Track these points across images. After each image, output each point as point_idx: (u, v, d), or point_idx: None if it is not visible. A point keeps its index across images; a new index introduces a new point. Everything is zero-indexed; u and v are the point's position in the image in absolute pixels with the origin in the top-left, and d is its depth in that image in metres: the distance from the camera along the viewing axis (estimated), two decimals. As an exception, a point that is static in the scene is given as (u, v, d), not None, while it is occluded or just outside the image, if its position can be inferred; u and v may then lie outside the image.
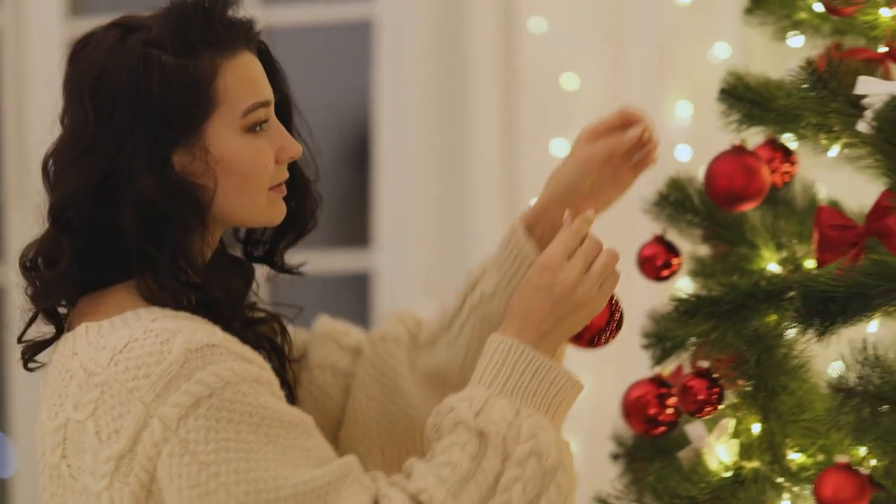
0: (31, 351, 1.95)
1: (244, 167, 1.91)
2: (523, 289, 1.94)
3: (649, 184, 2.44)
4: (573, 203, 2.11)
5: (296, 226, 2.07)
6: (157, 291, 1.87)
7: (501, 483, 1.84)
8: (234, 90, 1.90)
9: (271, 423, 1.80)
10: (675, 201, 2.33)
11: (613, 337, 1.99)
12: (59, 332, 1.93)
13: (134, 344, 1.81)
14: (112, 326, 1.85)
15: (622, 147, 2.14)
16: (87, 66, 1.89)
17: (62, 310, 1.94)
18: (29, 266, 1.93)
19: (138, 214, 1.86)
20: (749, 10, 2.34)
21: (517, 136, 3.56)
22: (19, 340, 1.96)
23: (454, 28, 3.61)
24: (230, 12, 1.93)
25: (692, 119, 3.40)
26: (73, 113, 1.90)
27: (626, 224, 3.30)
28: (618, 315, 1.98)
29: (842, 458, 1.91)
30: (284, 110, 2.02)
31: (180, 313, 1.86)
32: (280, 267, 2.11)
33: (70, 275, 1.89)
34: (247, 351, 1.85)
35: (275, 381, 1.86)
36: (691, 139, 3.40)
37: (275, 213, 1.98)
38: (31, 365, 1.96)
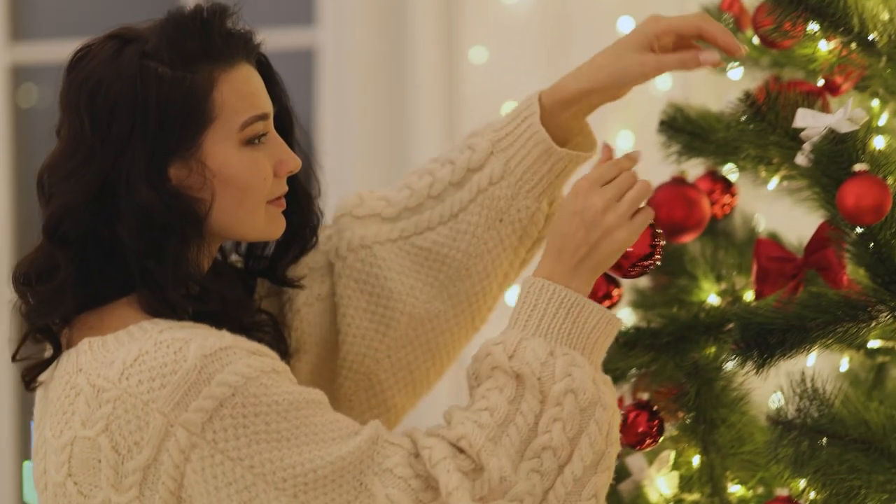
0: (32, 372, 1.92)
1: (242, 180, 1.89)
2: (560, 215, 1.91)
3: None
4: (606, 96, 2.05)
5: (297, 242, 2.06)
6: (157, 304, 1.86)
7: (541, 423, 1.83)
8: (232, 103, 1.88)
9: (298, 406, 1.80)
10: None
11: (652, 266, 1.93)
12: (57, 351, 1.90)
13: (145, 357, 1.79)
14: (118, 341, 1.83)
15: (691, 68, 2.02)
16: (84, 77, 1.87)
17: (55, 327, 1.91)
18: (23, 282, 1.90)
19: (137, 226, 1.84)
20: (689, 43, 2.34)
21: (460, 165, 3.56)
22: (14, 359, 1.93)
23: (397, 57, 3.61)
24: (229, 24, 1.90)
25: (633, 148, 3.41)
26: (70, 124, 1.88)
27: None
28: (659, 246, 1.93)
29: (781, 491, 1.91)
30: (285, 123, 2.00)
31: (185, 323, 1.85)
32: (281, 280, 2.09)
33: (67, 290, 1.87)
34: (256, 345, 1.84)
35: (287, 367, 1.85)
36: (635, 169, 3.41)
37: (274, 227, 1.96)
38: (32, 385, 1.94)
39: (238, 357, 1.80)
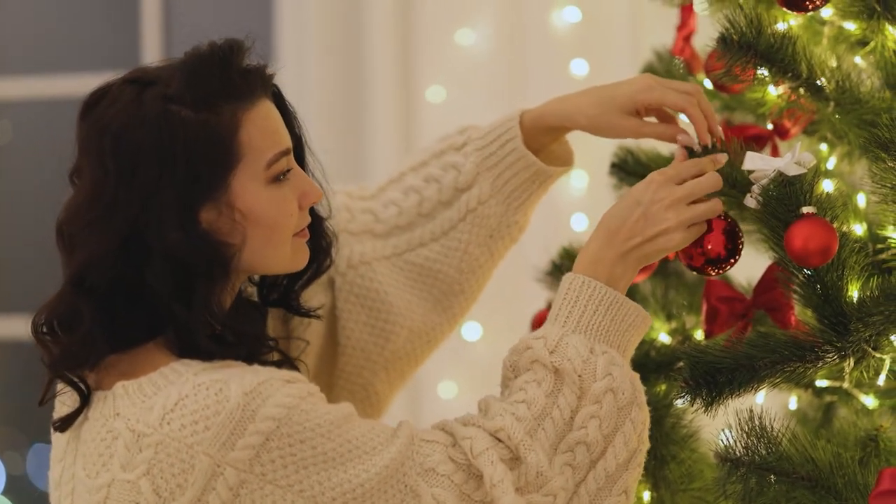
0: (63, 424, 1.91)
1: (271, 219, 1.89)
2: (624, 199, 1.93)
3: (543, 253, 2.47)
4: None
5: (311, 265, 2.05)
6: (186, 346, 1.86)
7: (577, 419, 1.86)
8: (257, 142, 1.87)
9: (338, 423, 1.82)
10: (568, 271, 2.35)
11: (728, 268, 1.95)
12: (85, 400, 1.89)
13: (186, 401, 1.80)
14: (153, 384, 1.84)
15: (666, 140, 2.08)
16: (106, 122, 1.85)
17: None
18: (45, 331, 1.89)
19: (166, 270, 1.83)
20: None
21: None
22: (41, 404, 1.93)
23: (355, 96, 3.63)
24: (245, 59, 1.90)
25: (587, 189, 3.44)
26: (92, 171, 1.86)
27: (520, 291, 3.33)
28: (739, 248, 1.94)
29: (730, 527, 1.93)
30: (298, 151, 2.00)
31: (216, 363, 1.85)
32: (297, 310, 2.10)
33: (96, 339, 1.86)
34: (288, 373, 1.86)
35: (317, 387, 1.87)
36: (587, 208, 3.44)
37: (299, 258, 1.97)
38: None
39: (276, 388, 1.81)
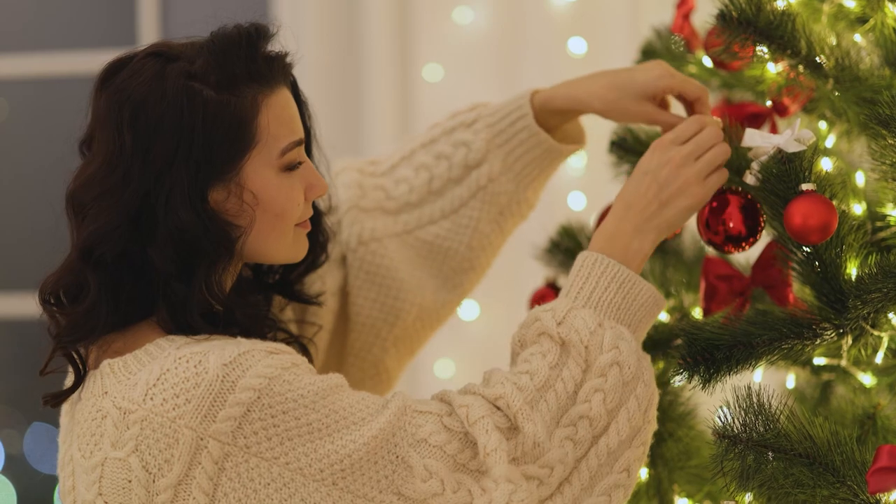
0: (53, 399, 1.92)
1: (279, 206, 1.90)
2: (634, 173, 1.93)
3: (541, 231, 2.47)
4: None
5: (307, 258, 2.05)
6: (176, 323, 1.86)
7: (582, 392, 1.85)
8: (274, 128, 1.88)
9: (323, 394, 1.81)
10: (567, 249, 2.36)
11: (749, 245, 1.95)
12: (80, 377, 1.89)
13: (167, 375, 1.80)
14: (138, 361, 1.84)
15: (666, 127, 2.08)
16: (126, 94, 1.85)
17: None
18: (52, 302, 1.90)
19: (171, 248, 1.84)
20: (640, 63, 2.37)
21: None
22: (42, 374, 1.93)
23: (351, 75, 3.62)
24: (270, 46, 1.91)
25: (585, 167, 3.44)
26: (107, 142, 1.86)
27: (518, 269, 3.33)
28: (760, 225, 1.94)
29: (727, 504, 1.93)
30: (307, 143, 2.01)
31: (200, 337, 1.85)
32: (295, 297, 2.10)
33: (101, 313, 1.86)
34: (272, 344, 1.85)
35: (304, 359, 1.86)
36: (585, 187, 3.44)
37: (299, 250, 1.97)
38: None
39: (257, 359, 1.80)
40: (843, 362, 2.11)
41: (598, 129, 2.32)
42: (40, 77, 4.22)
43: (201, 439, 1.78)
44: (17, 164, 4.31)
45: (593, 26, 3.47)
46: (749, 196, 1.94)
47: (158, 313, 1.87)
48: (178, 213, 1.83)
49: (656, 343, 2.12)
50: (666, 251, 2.36)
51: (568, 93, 2.12)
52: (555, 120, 2.14)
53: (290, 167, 1.90)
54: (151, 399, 1.80)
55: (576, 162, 3.44)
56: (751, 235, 1.95)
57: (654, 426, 1.91)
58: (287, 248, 1.94)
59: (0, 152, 4.34)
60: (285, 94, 1.91)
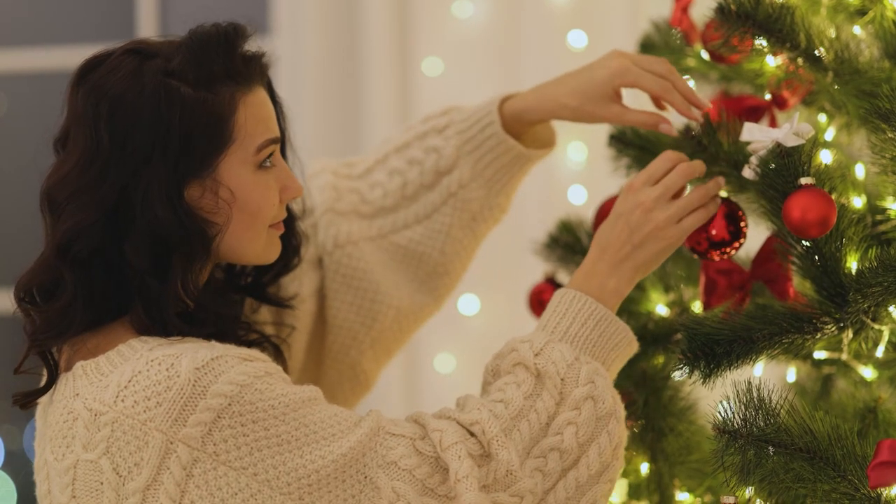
0: (24, 399, 1.92)
1: (254, 204, 1.90)
2: (610, 215, 1.94)
3: (541, 226, 2.47)
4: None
5: (280, 261, 2.05)
6: (150, 323, 1.85)
7: (554, 424, 1.85)
8: (250, 126, 1.88)
9: (294, 406, 1.80)
10: (566, 244, 2.36)
11: (733, 251, 1.96)
12: (52, 378, 1.89)
13: (139, 377, 1.79)
14: (110, 363, 1.83)
15: (650, 129, 2.09)
16: (103, 90, 1.85)
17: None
18: (27, 299, 1.89)
19: (147, 245, 1.83)
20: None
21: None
22: (16, 372, 1.92)
23: (351, 68, 3.62)
24: (247, 45, 1.91)
25: (586, 161, 3.44)
26: (84, 138, 1.85)
27: (518, 264, 3.33)
28: (743, 231, 1.95)
29: (728, 499, 1.92)
30: (281, 146, 2.01)
31: (174, 339, 1.84)
32: (266, 299, 2.09)
33: (77, 312, 1.85)
34: (247, 351, 1.84)
35: (279, 368, 1.85)
36: (585, 181, 3.43)
37: (271, 251, 1.97)
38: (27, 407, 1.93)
39: (230, 365, 1.79)
40: (844, 356, 2.11)
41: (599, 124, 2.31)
42: (39, 71, 4.22)
43: (171, 443, 1.77)
44: (15, 159, 4.31)
45: (592, 20, 3.47)
46: (730, 203, 1.94)
47: (133, 312, 1.86)
48: (155, 210, 1.83)
49: (656, 338, 2.12)
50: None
51: (536, 105, 2.13)
52: (523, 126, 2.15)
53: (265, 164, 1.90)
54: (122, 401, 1.79)
55: (576, 156, 3.44)
56: (734, 240, 1.95)
57: (622, 464, 1.91)
58: (260, 248, 1.94)
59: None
60: (262, 94, 1.92)
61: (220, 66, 1.87)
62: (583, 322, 1.90)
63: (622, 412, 1.90)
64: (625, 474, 2.15)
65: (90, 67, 1.89)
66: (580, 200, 3.43)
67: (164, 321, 1.85)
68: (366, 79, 3.59)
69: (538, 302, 2.35)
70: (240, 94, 1.88)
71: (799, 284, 2.00)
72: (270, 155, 1.91)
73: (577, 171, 3.45)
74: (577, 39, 3.47)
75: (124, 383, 1.79)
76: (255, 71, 1.91)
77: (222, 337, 1.90)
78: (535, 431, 1.85)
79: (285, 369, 2.07)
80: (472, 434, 1.82)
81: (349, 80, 3.63)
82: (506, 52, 3.52)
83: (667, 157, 1.96)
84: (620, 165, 2.22)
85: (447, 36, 3.57)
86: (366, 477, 1.80)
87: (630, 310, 2.23)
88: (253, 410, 1.78)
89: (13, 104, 4.37)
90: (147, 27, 4.06)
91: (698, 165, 1.96)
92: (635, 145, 2.18)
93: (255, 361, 1.82)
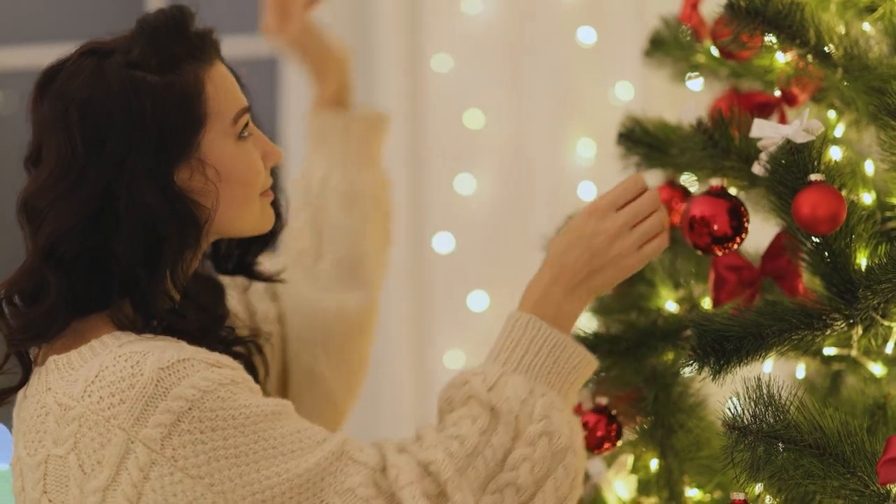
0: (3, 395, 1.91)
1: (242, 174, 1.91)
2: (565, 234, 1.94)
3: (550, 222, 2.47)
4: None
5: (261, 235, 2.05)
6: (131, 317, 1.85)
7: (510, 460, 1.84)
8: (220, 99, 1.90)
9: (256, 419, 1.78)
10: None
11: (734, 246, 1.96)
12: (27, 376, 1.88)
13: (105, 372, 1.78)
14: (81, 357, 1.82)
15: None
16: (70, 96, 1.84)
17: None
18: (7, 303, 1.88)
19: (139, 237, 1.83)
20: (648, 53, 2.37)
21: (422, 172, 3.58)
22: None
23: (360, 65, 3.62)
24: (195, 24, 1.92)
25: (595, 157, 3.44)
26: (58, 146, 1.84)
27: (527, 260, 3.33)
28: (744, 227, 1.94)
29: (738, 496, 1.93)
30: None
31: (146, 336, 1.84)
32: (256, 276, 2.10)
33: (59, 313, 1.85)
34: (216, 357, 1.83)
35: (248, 377, 1.83)
36: (594, 177, 3.43)
37: (267, 218, 1.98)
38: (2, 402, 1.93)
39: (196, 370, 1.78)
40: (854, 352, 2.11)
41: (607, 119, 2.32)
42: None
43: (132, 442, 1.76)
44: (21, 157, 4.31)
45: (602, 16, 3.47)
46: (732, 198, 1.94)
47: (113, 307, 1.86)
48: (145, 200, 1.82)
49: (666, 334, 2.12)
50: (675, 241, 2.36)
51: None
52: (335, 102, 2.36)
53: (243, 133, 1.92)
54: (89, 396, 1.78)
55: (585, 152, 3.44)
56: (737, 235, 1.95)
57: (580, 492, 1.90)
58: (257, 217, 1.95)
59: (4, 144, 4.35)
60: (222, 66, 1.94)
61: (179, 47, 1.88)
62: (537, 350, 1.90)
63: (579, 443, 1.89)
64: (634, 470, 2.16)
65: (49, 77, 1.89)
66: (589, 197, 3.43)
67: (152, 315, 1.85)
68: (376, 75, 3.59)
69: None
70: (202, 71, 1.89)
71: (808, 281, 2.00)
72: (247, 125, 1.93)
73: (587, 167, 3.45)
74: (587, 35, 3.47)
75: (91, 378, 1.79)
76: (210, 45, 1.92)
77: (205, 335, 1.90)
78: (491, 468, 1.83)
79: (258, 378, 2.08)
80: (429, 473, 1.81)
81: (359, 76, 3.62)
82: (515, 49, 3.52)
83: (632, 182, 1.95)
84: (630, 163, 2.22)
85: (457, 32, 3.57)
86: (322, 501, 1.78)
87: (640, 306, 2.23)
88: (213, 418, 1.76)
89: (20, 101, 4.37)
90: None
91: (658, 197, 1.96)
92: (644, 143, 2.18)
93: (222, 368, 1.81)
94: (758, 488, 1.92)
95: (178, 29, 1.89)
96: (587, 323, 2.36)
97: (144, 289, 1.84)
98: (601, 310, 2.34)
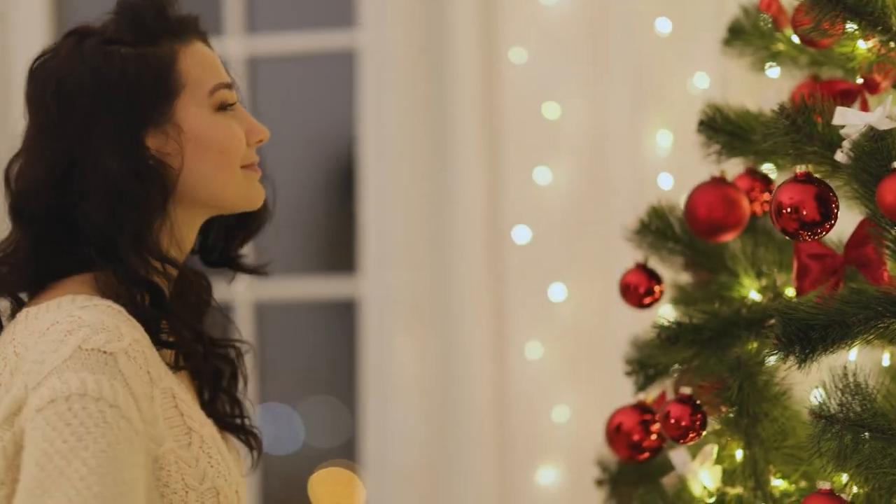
0: None
1: (219, 142, 1.93)
2: None
3: (630, 212, 2.47)
4: None
5: (245, 224, 2.06)
6: (115, 286, 1.86)
7: None
8: (197, 72, 1.94)
9: (76, 454, 1.71)
10: (657, 229, 2.35)
11: (824, 232, 1.92)
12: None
13: (51, 328, 1.80)
14: (46, 310, 1.85)
15: None
16: (49, 72, 1.92)
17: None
18: None
19: (103, 200, 1.86)
20: (727, 42, 2.36)
21: (500, 164, 3.58)
22: None
23: (437, 57, 3.63)
24: (176, 9, 1.96)
25: (673, 148, 3.43)
26: (34, 115, 1.93)
27: (609, 252, 3.33)
28: (835, 209, 1.90)
29: (824, 485, 1.92)
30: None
31: (114, 306, 1.84)
32: (241, 268, 2.10)
33: (23, 265, 1.90)
34: (127, 367, 1.77)
35: (130, 408, 1.75)
36: (672, 168, 3.42)
37: (255, 193, 1.99)
38: None
39: (99, 369, 1.75)
40: (940, 340, 2.10)
41: (685, 109, 2.31)
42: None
43: (24, 403, 1.77)
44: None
45: (679, 5, 3.46)
46: (821, 184, 1.93)
47: (97, 272, 1.88)
48: (108, 163, 1.87)
49: (750, 323, 2.12)
50: (757, 230, 2.35)
51: None
52: None
53: (223, 107, 1.94)
54: (35, 346, 1.80)
55: (663, 142, 3.43)
56: (825, 221, 1.93)
57: None
58: (239, 189, 1.96)
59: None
60: (202, 46, 1.97)
61: (156, 24, 1.93)
62: None
63: None
64: (719, 460, 2.15)
65: (38, 61, 1.95)
66: (668, 186, 3.42)
67: (132, 284, 1.86)
68: (452, 67, 3.60)
69: (629, 291, 2.33)
70: (178, 46, 1.93)
71: (893, 268, 1.99)
72: (231, 105, 1.95)
73: (665, 157, 3.44)
74: (664, 25, 3.46)
75: (42, 331, 1.81)
76: (189, 27, 1.96)
77: (183, 322, 1.91)
78: None
79: (244, 383, 2.05)
80: None
81: (436, 71, 3.64)
82: (592, 40, 3.52)
83: None
84: (710, 152, 2.22)
85: (533, 24, 3.57)
86: None
87: (722, 295, 2.23)
88: (68, 419, 1.72)
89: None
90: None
91: None
92: (725, 131, 2.18)
93: (123, 388, 1.76)
94: (844, 478, 1.92)
95: (156, 10, 1.94)
96: (670, 313, 2.36)
97: (119, 254, 1.86)
98: (683, 300, 2.34)
